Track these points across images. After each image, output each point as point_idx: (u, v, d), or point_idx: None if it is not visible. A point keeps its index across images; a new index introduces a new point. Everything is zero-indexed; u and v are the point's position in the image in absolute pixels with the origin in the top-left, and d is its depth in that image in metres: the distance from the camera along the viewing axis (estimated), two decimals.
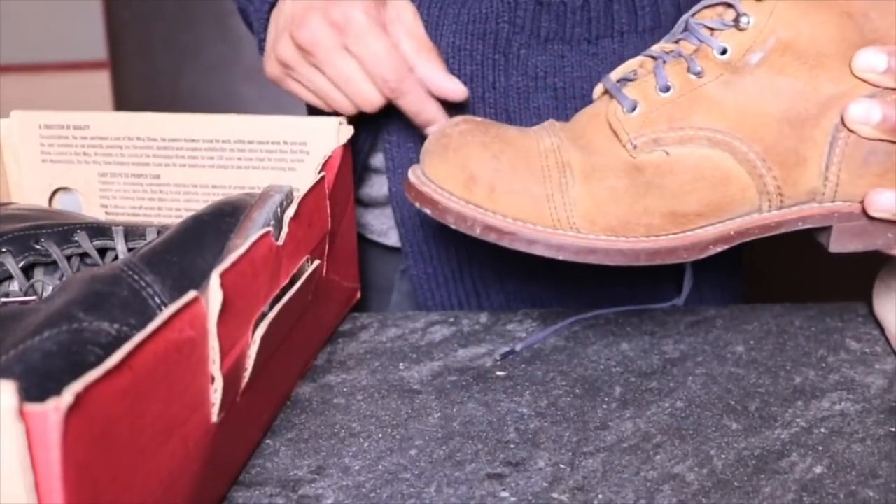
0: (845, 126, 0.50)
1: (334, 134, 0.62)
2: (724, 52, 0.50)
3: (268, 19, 0.64)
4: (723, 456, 0.47)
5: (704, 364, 0.56)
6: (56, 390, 0.31)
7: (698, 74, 0.50)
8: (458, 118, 0.55)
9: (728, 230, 0.52)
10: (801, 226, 0.52)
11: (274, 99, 1.72)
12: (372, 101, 0.60)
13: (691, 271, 0.60)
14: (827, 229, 0.53)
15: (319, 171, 0.55)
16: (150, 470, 0.35)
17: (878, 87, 0.49)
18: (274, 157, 0.63)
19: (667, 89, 0.51)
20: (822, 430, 0.49)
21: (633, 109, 0.51)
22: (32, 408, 0.29)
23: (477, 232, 0.51)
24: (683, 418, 0.51)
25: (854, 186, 0.51)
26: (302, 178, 0.61)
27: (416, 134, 0.66)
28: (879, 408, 0.51)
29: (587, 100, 0.61)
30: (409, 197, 0.53)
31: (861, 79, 0.49)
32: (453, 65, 0.65)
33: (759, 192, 0.51)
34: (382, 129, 0.68)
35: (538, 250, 0.50)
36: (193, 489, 0.40)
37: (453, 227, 0.51)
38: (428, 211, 0.52)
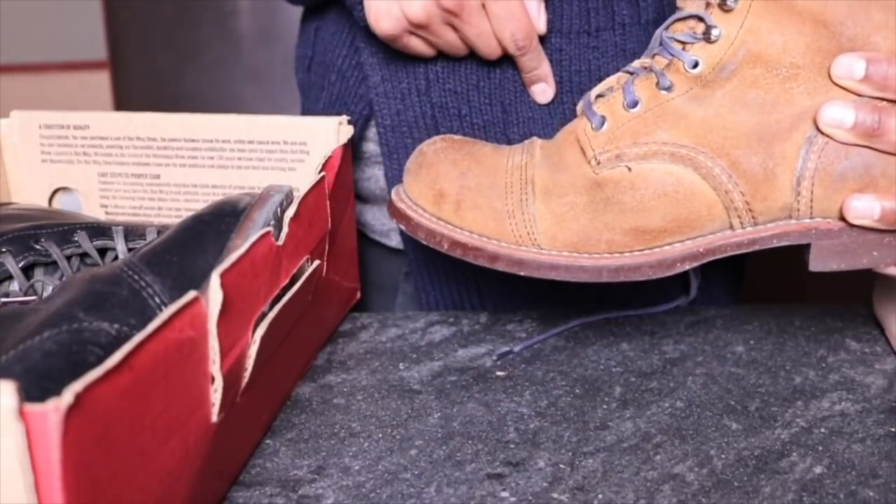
0: (820, 131, 0.48)
1: (334, 134, 0.62)
2: (695, 65, 0.49)
3: None
4: (723, 456, 0.47)
5: (704, 364, 0.56)
6: (56, 390, 0.31)
7: (668, 89, 0.49)
8: (437, 137, 0.55)
9: (697, 247, 0.50)
10: (776, 243, 0.50)
11: (274, 99, 1.73)
12: (494, 55, 0.62)
13: (699, 271, 0.60)
14: (808, 247, 0.50)
15: (319, 171, 0.55)
16: (150, 470, 0.35)
17: (856, 94, 0.47)
18: (274, 157, 0.63)
19: (634, 104, 0.50)
20: (822, 430, 0.49)
21: (602, 125, 0.50)
22: (32, 408, 0.29)
23: (445, 248, 0.51)
24: (683, 418, 0.51)
25: (830, 202, 0.49)
26: (302, 178, 0.61)
27: (410, 116, 0.65)
28: (879, 408, 0.51)
29: None
30: (390, 214, 0.54)
31: (840, 86, 0.48)
32: None
33: (727, 208, 0.49)
34: (375, 113, 0.67)
35: (501, 266, 0.51)
36: (193, 489, 0.40)
37: (424, 242, 0.52)
38: (403, 227, 0.53)
